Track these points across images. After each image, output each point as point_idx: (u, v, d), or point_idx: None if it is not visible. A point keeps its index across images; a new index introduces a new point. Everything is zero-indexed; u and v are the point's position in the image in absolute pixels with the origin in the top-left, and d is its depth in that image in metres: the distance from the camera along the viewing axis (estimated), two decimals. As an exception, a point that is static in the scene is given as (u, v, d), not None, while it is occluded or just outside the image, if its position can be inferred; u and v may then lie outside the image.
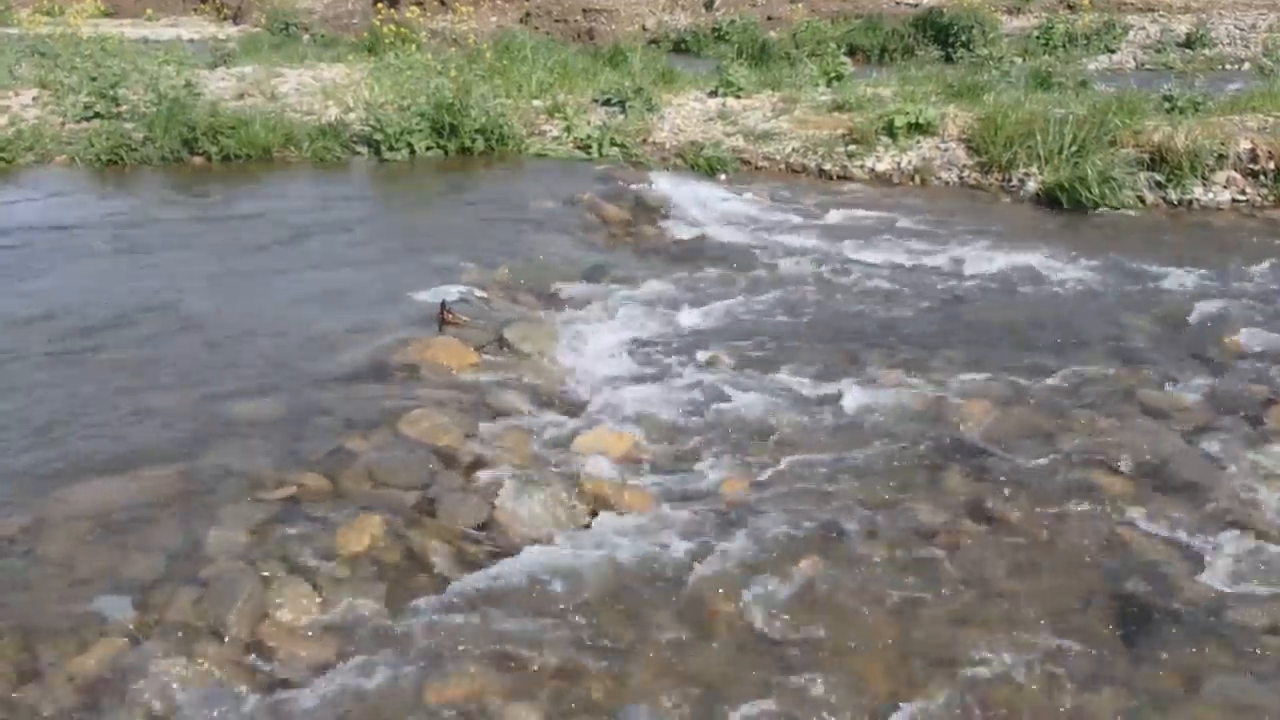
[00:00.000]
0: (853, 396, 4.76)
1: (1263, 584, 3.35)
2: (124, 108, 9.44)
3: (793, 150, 9.84)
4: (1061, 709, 2.83)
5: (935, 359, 5.30)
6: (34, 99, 10.16)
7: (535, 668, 2.90)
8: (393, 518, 3.49)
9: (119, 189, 8.13)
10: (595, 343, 5.41)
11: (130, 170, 8.73)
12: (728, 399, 4.70)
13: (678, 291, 6.36)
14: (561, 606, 3.17)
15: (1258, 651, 3.04)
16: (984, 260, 7.01)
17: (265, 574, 3.14)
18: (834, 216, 8.23)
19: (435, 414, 4.23)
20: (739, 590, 3.28)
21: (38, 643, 2.77)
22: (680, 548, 3.49)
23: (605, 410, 4.58)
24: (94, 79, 9.69)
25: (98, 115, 9.41)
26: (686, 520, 3.69)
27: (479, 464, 3.93)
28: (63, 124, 9.45)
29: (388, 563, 3.30)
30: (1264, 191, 8.59)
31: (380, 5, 16.95)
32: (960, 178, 9.38)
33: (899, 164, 9.58)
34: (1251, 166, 8.72)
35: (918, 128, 9.71)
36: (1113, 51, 18.48)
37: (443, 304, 5.40)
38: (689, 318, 5.88)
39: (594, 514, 3.71)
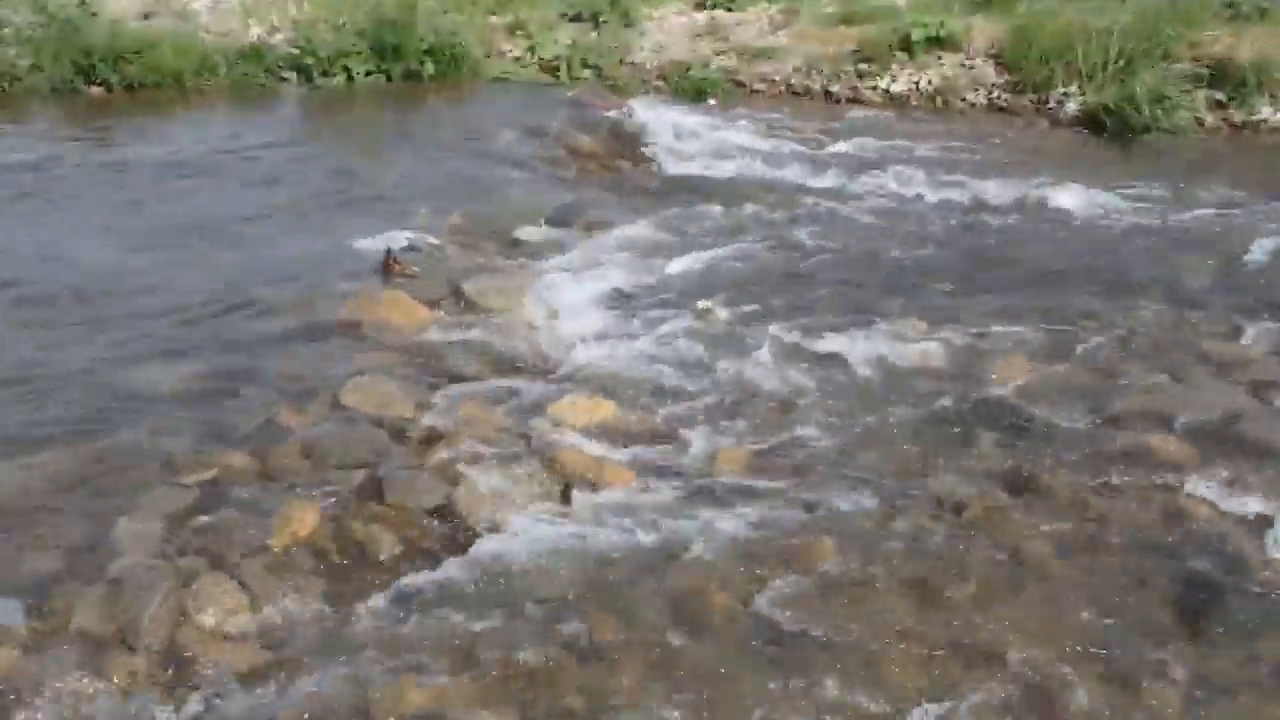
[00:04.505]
0: (869, 352, 4.74)
1: (1345, 558, 3.39)
2: (5, 30, 9.14)
3: (794, 70, 9.79)
4: (1114, 706, 2.82)
5: (964, 307, 5.29)
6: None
7: (503, 671, 2.89)
8: (333, 502, 3.48)
9: (1, 125, 8.07)
10: (569, 296, 5.38)
11: (15, 103, 8.66)
12: (723, 358, 4.69)
13: (663, 235, 6.31)
14: (533, 601, 3.16)
15: (1339, 635, 3.06)
16: (1018, 193, 6.99)
17: (184, 570, 3.13)
18: (843, 146, 8.22)
19: (382, 381, 4.24)
20: (739, 578, 3.27)
21: (-82, 654, 2.74)
22: (670, 530, 3.49)
23: (581, 374, 4.58)
24: (-33, -3, 9.48)
25: (-28, 40, 9.17)
26: (677, 499, 3.70)
27: (434, 438, 3.92)
28: (-68, 50, 9.24)
29: (328, 555, 3.30)
30: (1341, 109, 8.64)
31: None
32: (989, 99, 9.36)
33: (917, 84, 9.55)
34: (1327, 80, 8.75)
35: (938, 42, 9.64)
36: (1163, -49, 18.42)
37: (388, 253, 5.37)
38: (677, 265, 5.86)
39: (569, 493, 3.71)
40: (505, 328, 4.96)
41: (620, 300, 5.39)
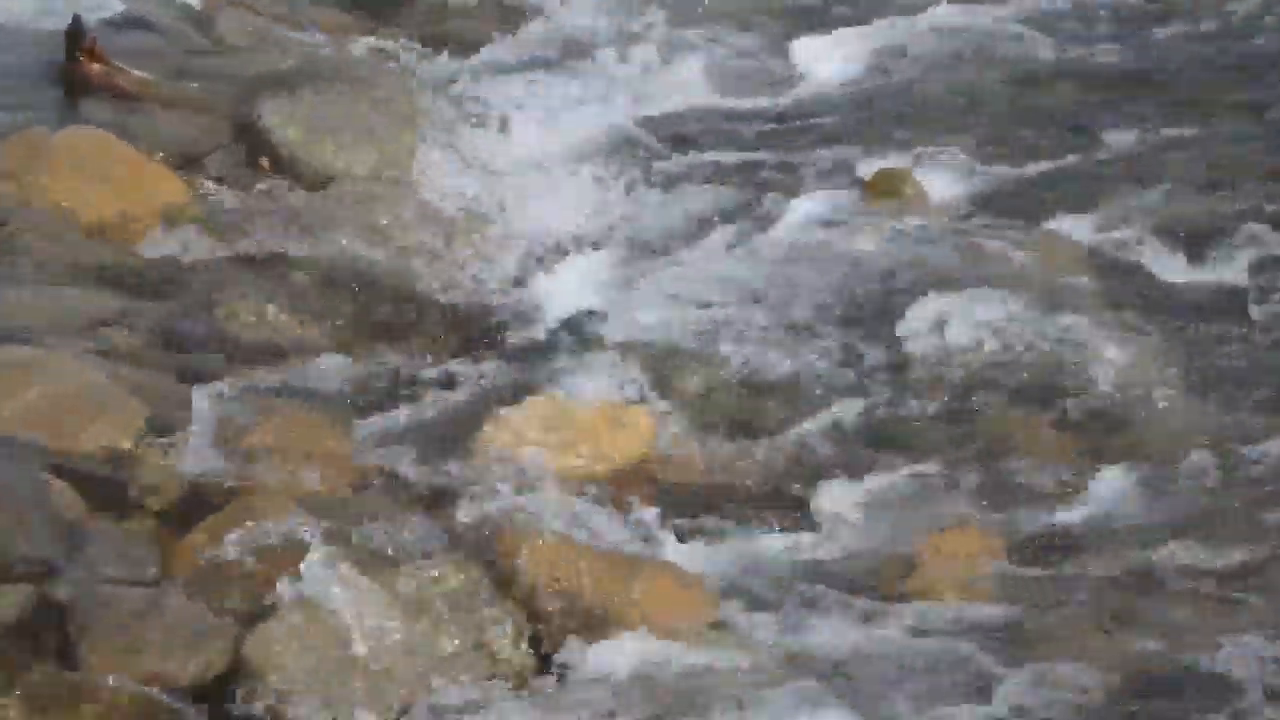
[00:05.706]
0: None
1: None
2: None
3: None
4: None
5: None
6: None
7: None
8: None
9: None
10: (530, 139, 5.32)
11: None
12: (922, 298, 4.63)
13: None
14: None
15: None
16: None
17: None
18: None
19: (64, 360, 4.06)
20: None
21: None
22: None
23: (563, 334, 4.45)
24: None
25: None
26: (823, 660, 3.70)
27: (197, 507, 3.87)
28: None
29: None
30: None
31: None
32: None
33: None
34: None
35: None
36: None
37: (75, 29, 5.31)
38: (807, 57, 5.87)
39: (541, 651, 3.66)
40: (370, 224, 4.78)
41: (660, 151, 5.29)
